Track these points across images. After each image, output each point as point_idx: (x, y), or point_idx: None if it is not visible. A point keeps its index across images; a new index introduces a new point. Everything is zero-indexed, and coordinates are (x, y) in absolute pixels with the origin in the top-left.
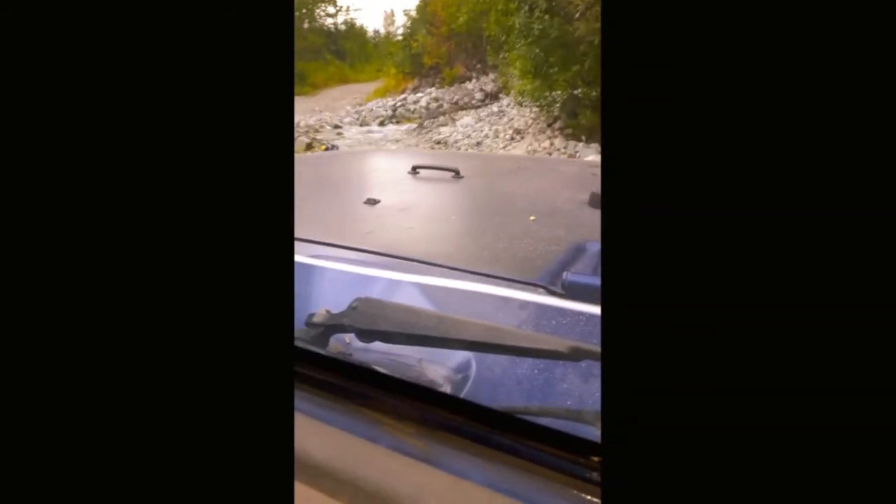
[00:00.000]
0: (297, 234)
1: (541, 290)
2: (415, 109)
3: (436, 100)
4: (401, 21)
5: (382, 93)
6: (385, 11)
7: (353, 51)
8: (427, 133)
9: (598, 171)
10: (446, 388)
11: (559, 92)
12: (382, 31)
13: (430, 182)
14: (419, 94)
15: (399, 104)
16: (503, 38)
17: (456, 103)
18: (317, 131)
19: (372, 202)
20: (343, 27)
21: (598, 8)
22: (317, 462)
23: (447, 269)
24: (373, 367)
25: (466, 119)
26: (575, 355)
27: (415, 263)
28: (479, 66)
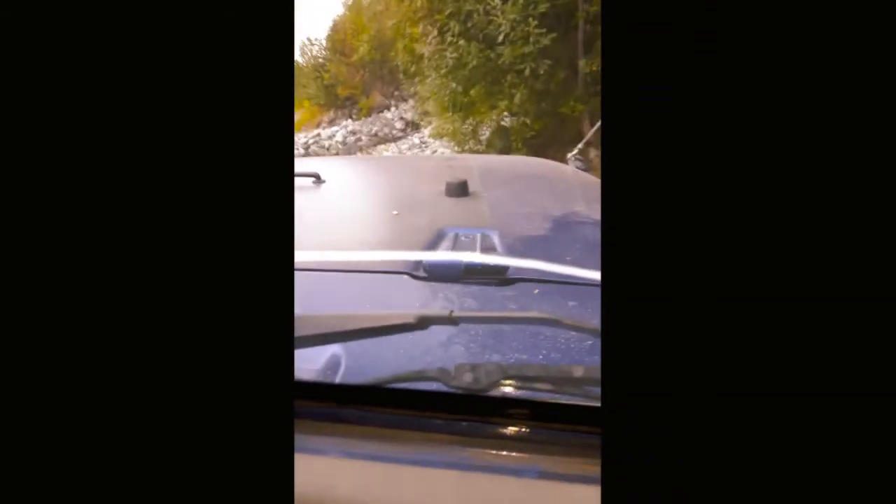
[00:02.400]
0: None
1: (405, 276)
2: (330, 146)
3: (353, 133)
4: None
5: (297, 126)
6: (302, 41)
7: None
8: None
9: (453, 163)
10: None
11: (485, 131)
12: (302, 62)
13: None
14: (335, 128)
15: (312, 141)
16: (412, 69)
17: (375, 135)
18: None
19: None
20: None
21: (525, 27)
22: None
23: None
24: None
25: (387, 154)
26: (423, 323)
27: None
28: (396, 92)
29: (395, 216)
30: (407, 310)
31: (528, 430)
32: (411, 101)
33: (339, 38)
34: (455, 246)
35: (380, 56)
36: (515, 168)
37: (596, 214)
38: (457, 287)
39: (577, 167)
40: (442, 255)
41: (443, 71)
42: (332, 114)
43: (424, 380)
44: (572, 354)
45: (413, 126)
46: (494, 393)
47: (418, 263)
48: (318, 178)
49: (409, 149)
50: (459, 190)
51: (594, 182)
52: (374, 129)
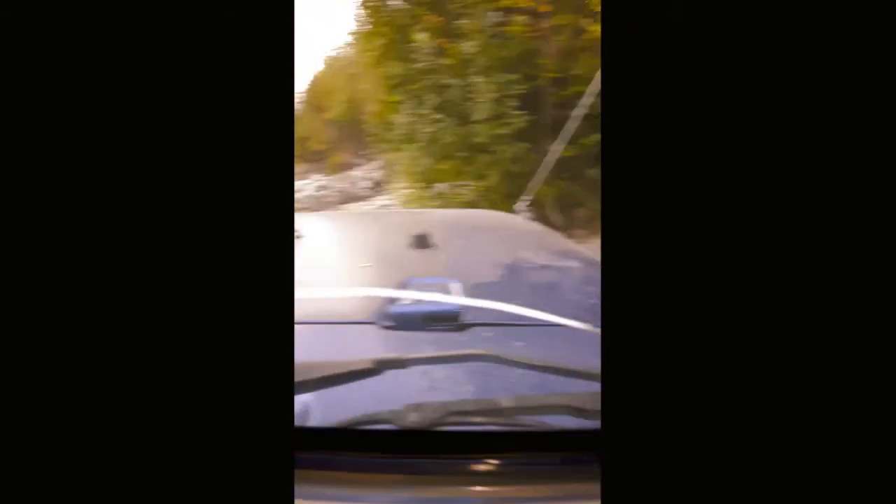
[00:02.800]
0: None
1: (373, 326)
2: (301, 198)
3: (324, 187)
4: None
5: None
6: None
7: None
8: None
9: (418, 217)
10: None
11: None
12: None
13: None
14: (306, 181)
15: None
16: (384, 136)
17: (344, 191)
18: None
19: None
20: None
21: (501, 107)
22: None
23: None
24: None
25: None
26: (380, 367)
27: None
28: (362, 152)
29: (365, 268)
30: (363, 356)
31: (495, 463)
32: (378, 161)
33: (316, 94)
34: (418, 295)
35: (351, 117)
36: (472, 220)
37: (541, 260)
38: (420, 334)
39: (526, 217)
40: (404, 300)
41: (415, 144)
42: (304, 166)
43: (377, 422)
44: (515, 388)
45: (380, 186)
46: (445, 428)
47: (384, 315)
48: (297, 235)
49: (377, 209)
50: (422, 242)
51: (540, 229)
52: (344, 185)
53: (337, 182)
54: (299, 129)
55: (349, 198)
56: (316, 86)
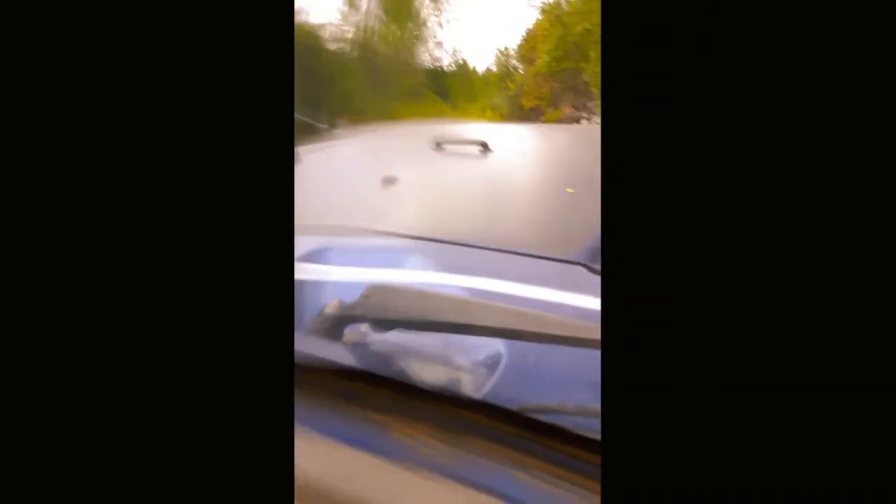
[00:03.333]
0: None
1: (580, 267)
2: None
3: None
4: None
5: None
6: (498, 49)
7: (457, 90)
8: None
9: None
10: (472, 381)
11: None
12: (495, 69)
13: (455, 158)
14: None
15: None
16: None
17: None
18: None
19: (390, 182)
20: (452, 67)
21: None
22: (320, 485)
23: (471, 248)
24: (375, 370)
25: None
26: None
27: (437, 246)
28: (590, 104)
29: (569, 194)
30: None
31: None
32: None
33: (529, 47)
34: None
35: (572, 65)
36: None
37: None
38: None
39: None
40: None
41: None
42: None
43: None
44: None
45: None
46: None
47: (598, 252)
48: (485, 147)
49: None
50: None
51: None
52: None
53: None
54: (511, 86)
55: None
56: (529, 38)
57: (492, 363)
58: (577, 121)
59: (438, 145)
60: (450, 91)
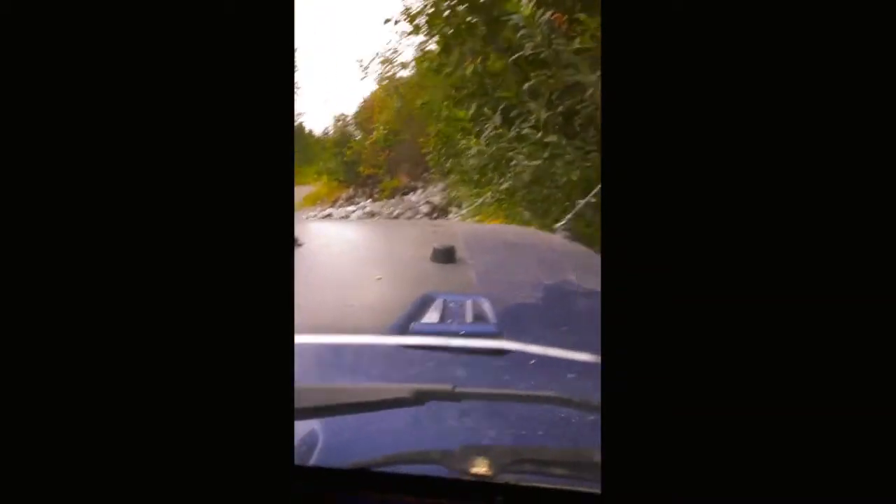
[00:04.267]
0: None
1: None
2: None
3: (371, 214)
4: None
5: (312, 200)
6: (335, 115)
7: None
8: None
9: (437, 229)
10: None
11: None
12: (332, 133)
13: None
14: (351, 207)
15: (321, 218)
16: (446, 165)
17: (396, 218)
18: None
19: None
20: None
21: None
22: None
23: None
24: None
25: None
26: (420, 399)
27: None
28: (425, 174)
29: (377, 281)
30: (400, 384)
31: None
32: (441, 184)
33: (366, 116)
34: (443, 313)
35: (408, 137)
36: (502, 236)
37: (588, 285)
38: (446, 356)
39: (565, 237)
40: (433, 325)
41: (506, 177)
42: (351, 190)
43: (424, 462)
44: (571, 433)
45: (441, 211)
46: (502, 479)
47: (404, 329)
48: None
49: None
50: (446, 256)
51: (583, 251)
52: (396, 211)
53: (389, 207)
54: (348, 153)
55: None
56: (367, 107)
57: (310, 442)
58: (414, 190)
59: None
60: None
